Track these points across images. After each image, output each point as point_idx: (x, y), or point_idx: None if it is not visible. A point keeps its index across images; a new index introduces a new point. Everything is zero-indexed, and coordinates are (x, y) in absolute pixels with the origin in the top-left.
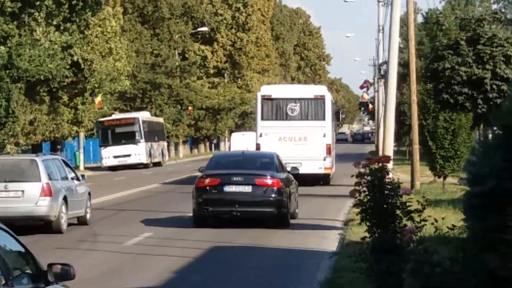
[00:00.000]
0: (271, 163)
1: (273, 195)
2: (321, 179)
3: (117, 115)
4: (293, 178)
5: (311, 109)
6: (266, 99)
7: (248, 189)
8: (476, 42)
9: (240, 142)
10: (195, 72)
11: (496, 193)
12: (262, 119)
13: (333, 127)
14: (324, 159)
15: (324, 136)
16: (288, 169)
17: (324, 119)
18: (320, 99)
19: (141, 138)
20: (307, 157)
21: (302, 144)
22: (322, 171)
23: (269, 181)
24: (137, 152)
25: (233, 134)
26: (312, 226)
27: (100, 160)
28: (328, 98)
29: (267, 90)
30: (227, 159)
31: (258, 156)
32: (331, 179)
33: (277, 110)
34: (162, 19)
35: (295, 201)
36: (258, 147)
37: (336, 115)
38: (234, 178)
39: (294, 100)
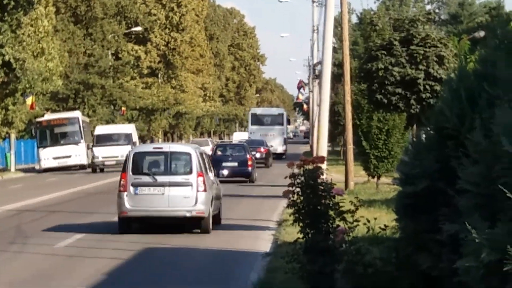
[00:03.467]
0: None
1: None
2: (282, 155)
3: (56, 114)
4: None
5: (277, 120)
6: (253, 114)
7: None
8: (409, 42)
9: (238, 137)
10: (129, 72)
11: (428, 194)
12: (252, 124)
13: (286, 128)
14: (283, 145)
15: (283, 133)
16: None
17: (283, 125)
18: (281, 114)
19: (81, 138)
20: (275, 143)
21: (272, 137)
22: (282, 151)
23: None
24: (78, 153)
25: (235, 133)
26: (246, 226)
27: (38, 162)
28: (285, 114)
29: (254, 110)
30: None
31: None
32: (286, 156)
33: (259, 120)
34: (95, 18)
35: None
36: (249, 137)
37: (288, 122)
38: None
39: (268, 116)
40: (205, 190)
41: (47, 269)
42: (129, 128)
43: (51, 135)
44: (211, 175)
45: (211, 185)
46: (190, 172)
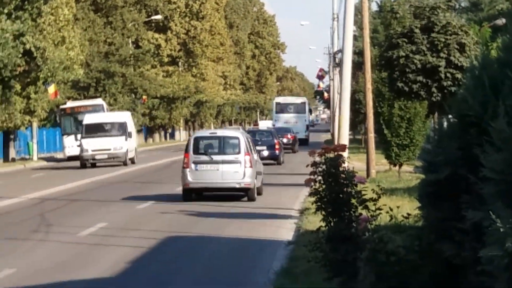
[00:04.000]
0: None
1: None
2: (306, 140)
3: (79, 102)
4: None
5: (299, 108)
6: (277, 103)
7: None
8: (430, 30)
9: (264, 125)
10: (149, 61)
11: (450, 181)
12: (276, 113)
13: (309, 116)
14: (305, 131)
15: (305, 121)
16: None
17: (305, 113)
18: (303, 103)
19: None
20: (298, 130)
21: (295, 124)
22: (304, 137)
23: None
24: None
25: (260, 122)
26: (268, 215)
27: (62, 149)
28: (307, 102)
29: (278, 99)
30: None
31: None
32: (309, 143)
33: (282, 108)
34: (115, 7)
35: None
36: (273, 125)
37: (309, 111)
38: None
39: (291, 104)
40: (251, 167)
41: (69, 258)
42: (124, 116)
43: (75, 122)
44: (255, 155)
45: (255, 163)
46: (239, 152)
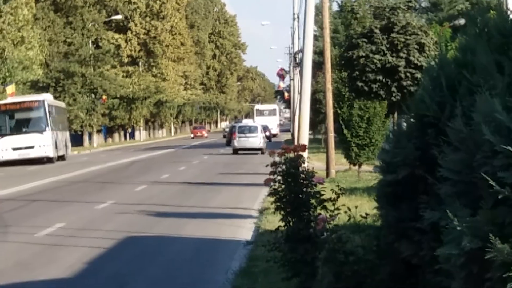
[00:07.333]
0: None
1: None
2: (276, 134)
3: (17, 98)
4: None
5: (271, 112)
6: (257, 109)
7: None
8: (390, 30)
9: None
10: (109, 61)
11: (409, 182)
12: (256, 115)
13: (279, 118)
14: (277, 128)
15: (276, 121)
16: (267, 133)
17: (275, 115)
18: (274, 109)
19: (47, 125)
20: (271, 127)
21: (269, 122)
22: (275, 132)
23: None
24: (42, 143)
25: (244, 120)
26: (228, 215)
27: None
28: (277, 108)
29: (257, 106)
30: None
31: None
32: (278, 135)
33: (260, 112)
34: (75, 7)
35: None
36: (254, 121)
37: (279, 112)
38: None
39: (266, 110)
40: (263, 139)
41: (28, 258)
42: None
43: (11, 121)
44: (266, 133)
45: (264, 137)
46: (257, 132)
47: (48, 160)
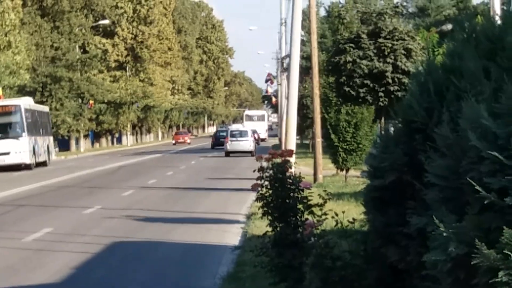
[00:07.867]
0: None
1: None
2: (264, 139)
3: None
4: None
5: (260, 118)
6: (246, 114)
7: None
8: (377, 35)
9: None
10: (96, 66)
11: (396, 187)
12: (245, 121)
13: (267, 123)
14: (265, 132)
15: (265, 126)
16: (256, 136)
17: (264, 120)
18: (263, 115)
19: (24, 131)
20: (261, 132)
21: (258, 127)
22: (264, 137)
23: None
24: (18, 149)
25: (233, 125)
26: (215, 220)
27: None
28: (266, 114)
29: (247, 112)
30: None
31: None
32: (266, 140)
33: (250, 118)
34: (62, 12)
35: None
36: (244, 126)
37: (268, 118)
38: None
39: (255, 115)
40: (253, 142)
41: (15, 263)
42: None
43: None
44: (255, 136)
45: (254, 141)
46: (248, 136)
47: (26, 166)
